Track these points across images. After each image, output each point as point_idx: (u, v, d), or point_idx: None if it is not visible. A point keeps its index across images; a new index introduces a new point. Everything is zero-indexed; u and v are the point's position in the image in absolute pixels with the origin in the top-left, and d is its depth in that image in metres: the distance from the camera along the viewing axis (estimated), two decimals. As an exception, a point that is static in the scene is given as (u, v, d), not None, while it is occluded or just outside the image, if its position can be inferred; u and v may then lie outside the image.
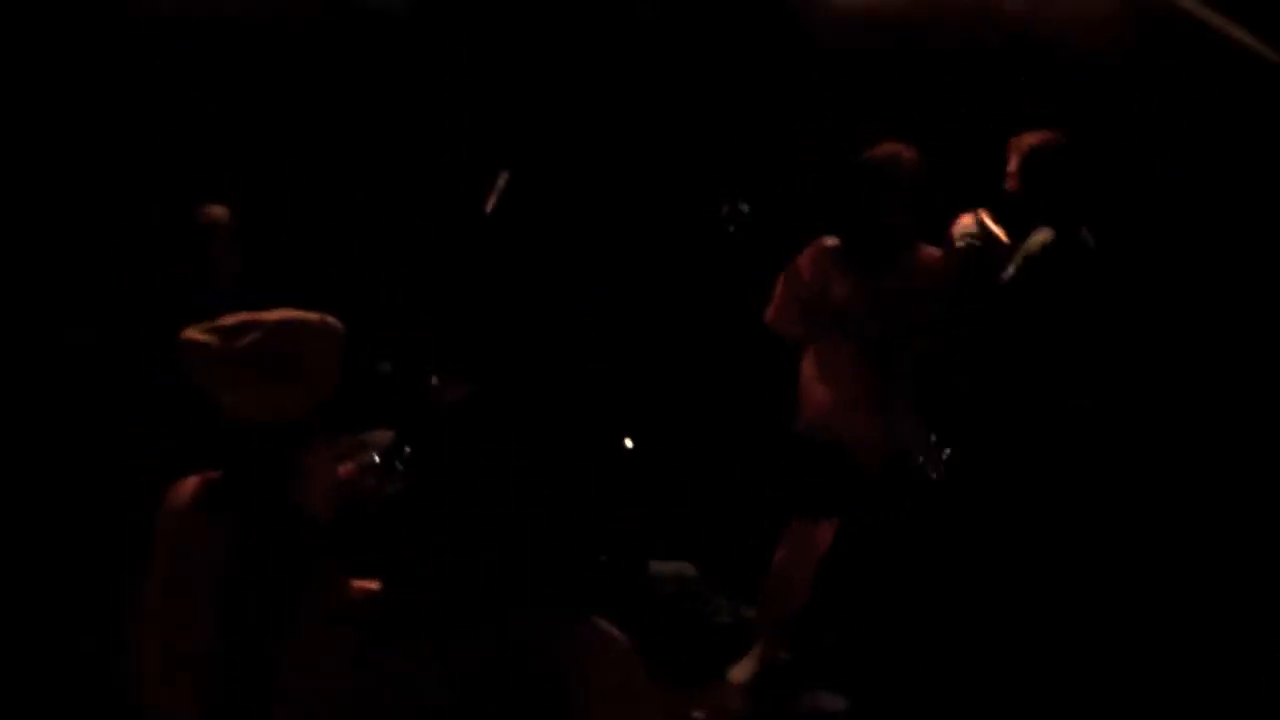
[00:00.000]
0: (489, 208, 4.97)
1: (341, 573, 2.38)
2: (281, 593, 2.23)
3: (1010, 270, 4.30)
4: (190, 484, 2.40)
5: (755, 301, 4.68)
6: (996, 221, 4.39)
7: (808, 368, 4.52)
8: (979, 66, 5.89)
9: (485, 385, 1.86)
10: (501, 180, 4.96)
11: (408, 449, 5.00)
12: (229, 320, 2.38)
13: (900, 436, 4.36)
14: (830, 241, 4.55)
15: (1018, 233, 4.37)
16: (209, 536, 2.29)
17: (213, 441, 2.37)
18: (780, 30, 6.01)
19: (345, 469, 4.72)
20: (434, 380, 4.93)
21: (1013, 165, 4.34)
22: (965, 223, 4.37)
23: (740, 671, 4.69)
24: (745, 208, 4.37)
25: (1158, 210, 5.78)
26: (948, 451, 4.36)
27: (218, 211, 4.75)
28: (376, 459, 4.85)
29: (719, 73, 6.10)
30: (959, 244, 4.31)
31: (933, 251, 4.46)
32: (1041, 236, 4.33)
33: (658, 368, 6.00)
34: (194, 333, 2.37)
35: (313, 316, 2.41)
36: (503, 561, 1.81)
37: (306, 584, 2.27)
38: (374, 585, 2.48)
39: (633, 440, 4.70)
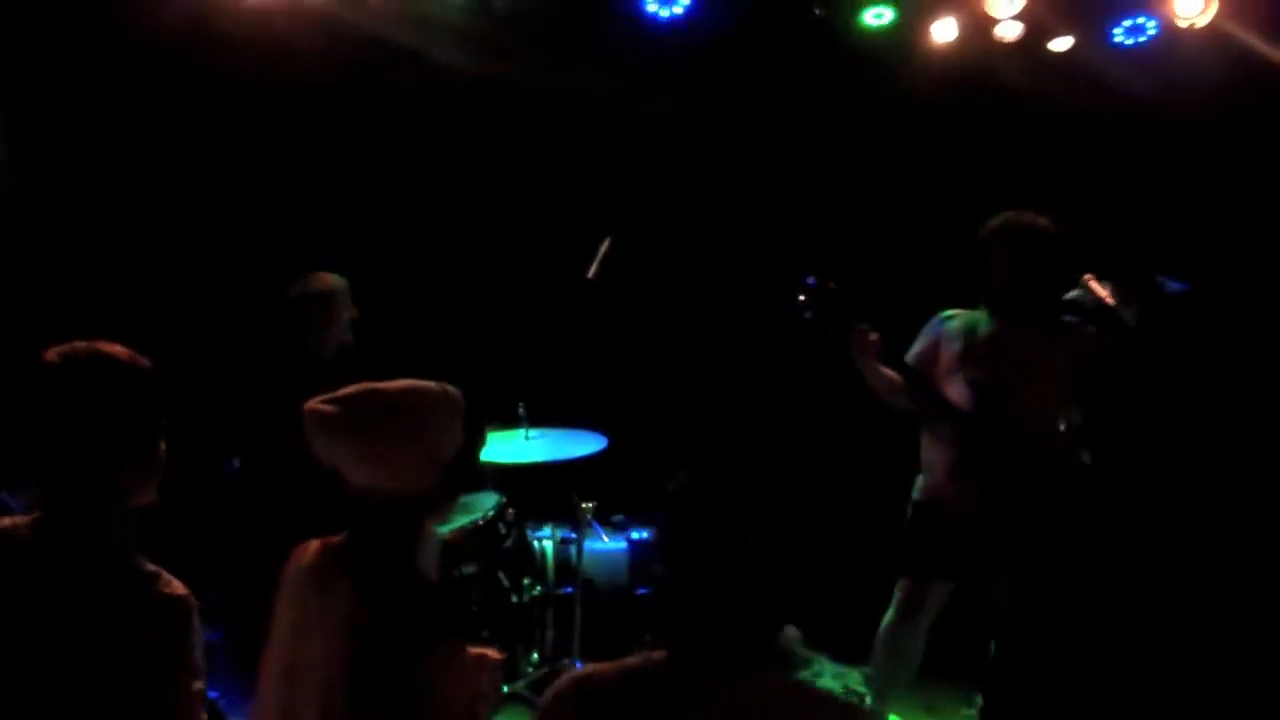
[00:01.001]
0: (592, 273, 5.01)
1: (459, 637, 2.42)
2: (404, 655, 2.27)
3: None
4: (313, 547, 2.46)
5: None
6: (1101, 284, 4.34)
7: (925, 433, 4.50)
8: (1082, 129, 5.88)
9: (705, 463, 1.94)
10: (604, 246, 5.01)
11: (511, 511, 5.07)
12: (351, 390, 2.44)
13: (1001, 506, 4.27)
14: (946, 314, 4.48)
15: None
16: (332, 600, 2.34)
17: (336, 506, 2.42)
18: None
19: (451, 534, 4.78)
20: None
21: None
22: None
23: None
24: (832, 285, 4.30)
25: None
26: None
27: (331, 279, 4.86)
28: (480, 521, 4.92)
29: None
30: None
31: (1061, 322, 4.35)
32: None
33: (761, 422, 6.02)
34: (316, 404, 2.44)
35: (433, 386, 2.46)
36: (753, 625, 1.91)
37: (427, 647, 2.31)
38: (490, 652, 2.52)
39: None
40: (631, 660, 2.00)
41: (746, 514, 1.94)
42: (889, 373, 4.36)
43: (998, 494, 4.23)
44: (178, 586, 2.19)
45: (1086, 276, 4.32)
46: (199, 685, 2.19)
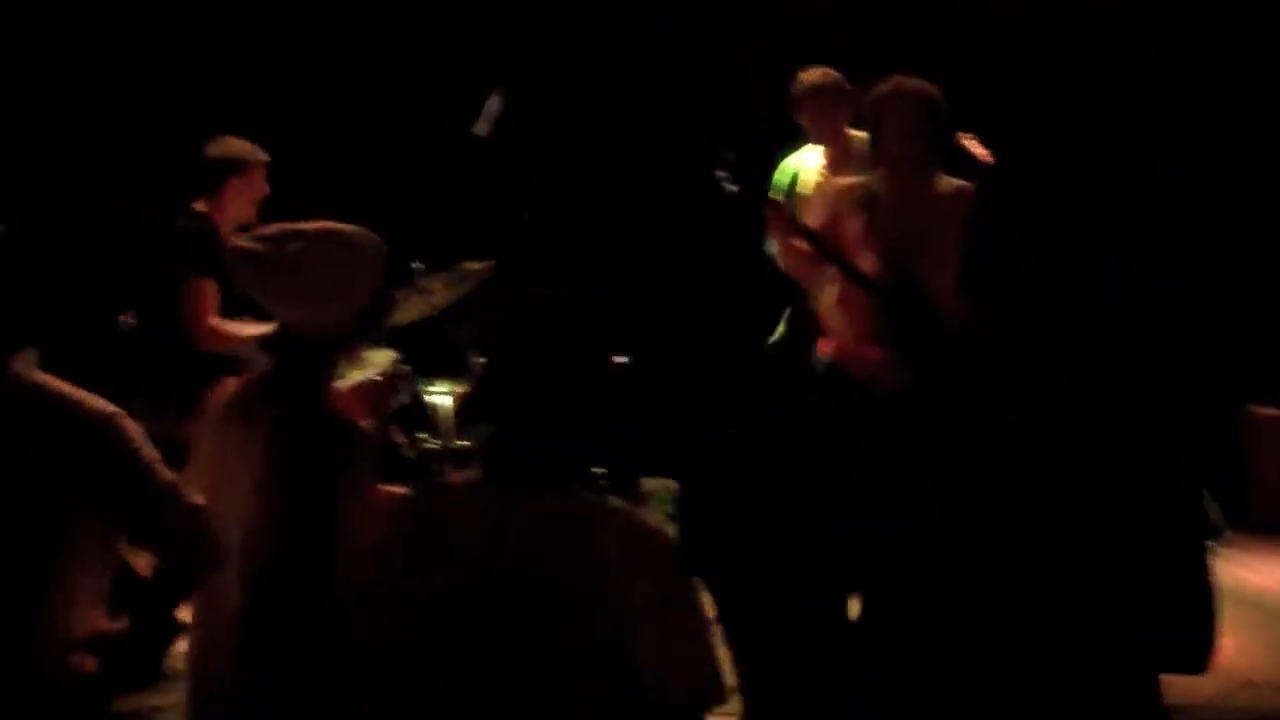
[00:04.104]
0: (482, 130, 5.01)
1: (374, 471, 2.51)
2: (322, 486, 2.35)
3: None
4: (233, 384, 2.51)
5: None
6: (980, 144, 4.47)
7: (827, 301, 4.53)
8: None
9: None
10: (493, 103, 4.99)
11: (406, 367, 5.12)
12: (271, 229, 2.48)
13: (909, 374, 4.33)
14: (844, 180, 4.55)
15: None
16: (253, 432, 2.40)
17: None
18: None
19: (344, 385, 4.83)
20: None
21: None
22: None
23: None
24: (730, 155, 4.33)
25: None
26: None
27: (247, 147, 4.78)
28: (375, 377, 4.96)
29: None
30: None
31: (952, 184, 4.41)
32: None
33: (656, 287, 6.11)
34: (241, 241, 2.47)
35: (350, 228, 2.51)
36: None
37: (343, 478, 2.39)
38: (401, 489, 2.61)
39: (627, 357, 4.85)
40: (455, 477, 2.14)
41: (554, 343, 2.08)
42: (799, 244, 4.41)
43: (917, 361, 4.30)
44: (101, 402, 2.22)
45: (964, 136, 4.44)
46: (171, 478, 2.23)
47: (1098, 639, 2.12)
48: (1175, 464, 2.18)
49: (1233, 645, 2.35)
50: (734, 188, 4.26)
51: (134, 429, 2.22)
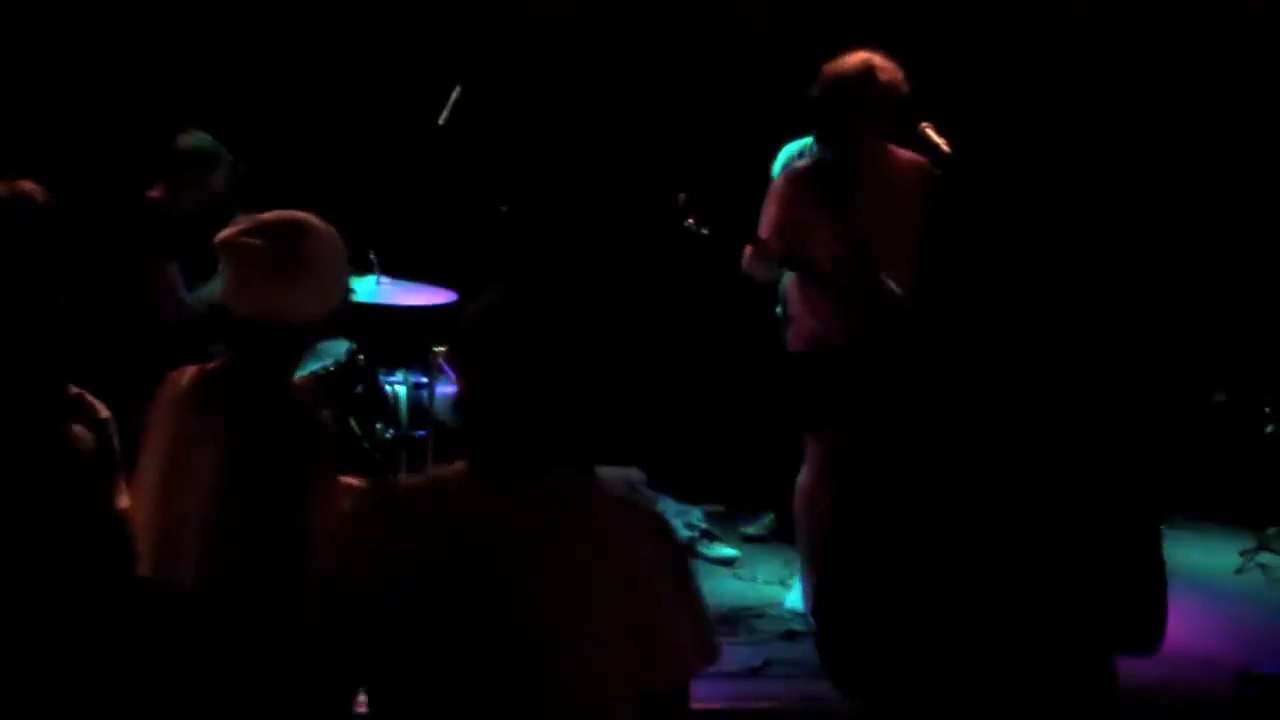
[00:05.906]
0: (442, 120, 5.00)
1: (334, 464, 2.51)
2: (283, 478, 2.35)
3: None
4: (190, 372, 2.49)
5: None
6: (939, 133, 4.49)
7: (795, 302, 4.58)
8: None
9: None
10: (455, 93, 4.99)
11: (361, 358, 5.10)
12: (253, 222, 2.47)
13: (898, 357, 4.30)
14: (801, 169, 4.58)
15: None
16: (211, 423, 2.39)
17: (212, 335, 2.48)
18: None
19: (301, 380, 4.79)
20: None
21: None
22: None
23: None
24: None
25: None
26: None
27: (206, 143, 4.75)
28: (331, 367, 4.95)
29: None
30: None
31: (905, 158, 4.48)
32: None
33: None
34: (237, 236, 2.46)
35: (320, 223, 2.51)
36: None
37: (305, 470, 2.39)
38: (358, 482, 2.61)
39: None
40: (434, 471, 2.11)
41: (535, 326, 2.02)
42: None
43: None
44: (101, 407, 2.23)
45: (924, 125, 4.46)
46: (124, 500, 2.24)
47: (1050, 619, 2.14)
48: (1130, 444, 2.20)
49: (1181, 627, 2.38)
50: (704, 229, 4.24)
51: (115, 438, 2.23)
